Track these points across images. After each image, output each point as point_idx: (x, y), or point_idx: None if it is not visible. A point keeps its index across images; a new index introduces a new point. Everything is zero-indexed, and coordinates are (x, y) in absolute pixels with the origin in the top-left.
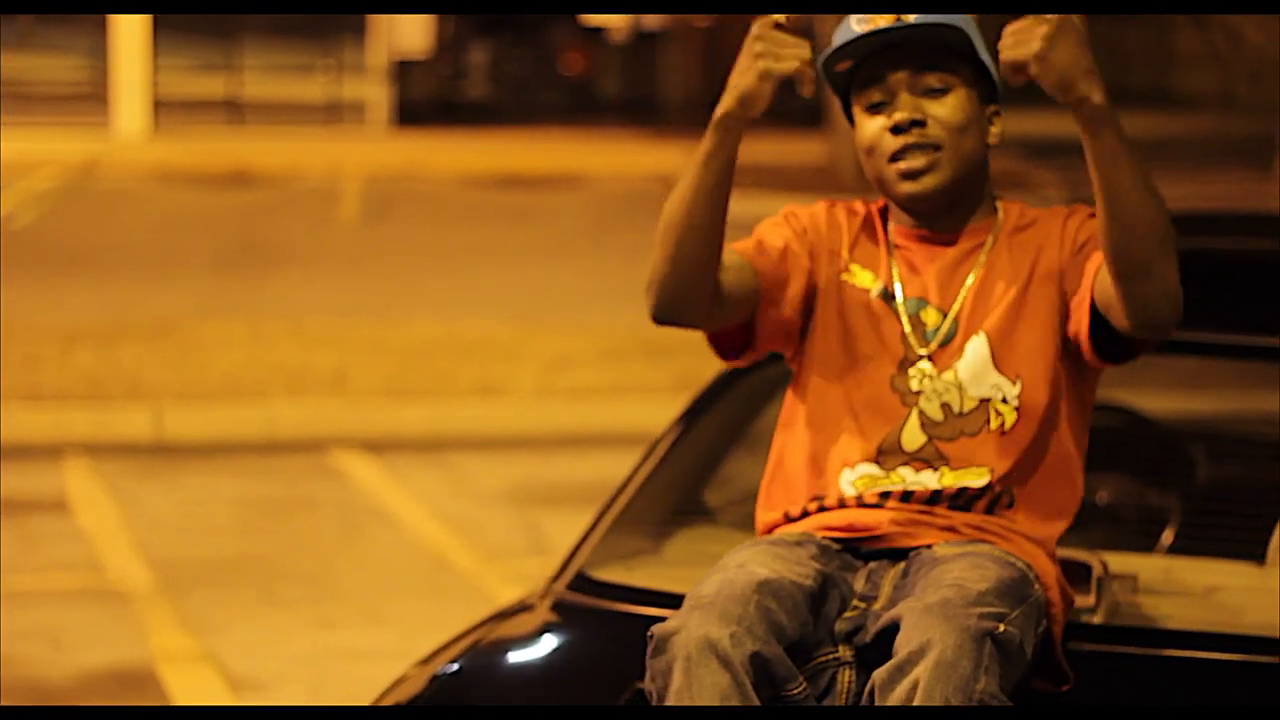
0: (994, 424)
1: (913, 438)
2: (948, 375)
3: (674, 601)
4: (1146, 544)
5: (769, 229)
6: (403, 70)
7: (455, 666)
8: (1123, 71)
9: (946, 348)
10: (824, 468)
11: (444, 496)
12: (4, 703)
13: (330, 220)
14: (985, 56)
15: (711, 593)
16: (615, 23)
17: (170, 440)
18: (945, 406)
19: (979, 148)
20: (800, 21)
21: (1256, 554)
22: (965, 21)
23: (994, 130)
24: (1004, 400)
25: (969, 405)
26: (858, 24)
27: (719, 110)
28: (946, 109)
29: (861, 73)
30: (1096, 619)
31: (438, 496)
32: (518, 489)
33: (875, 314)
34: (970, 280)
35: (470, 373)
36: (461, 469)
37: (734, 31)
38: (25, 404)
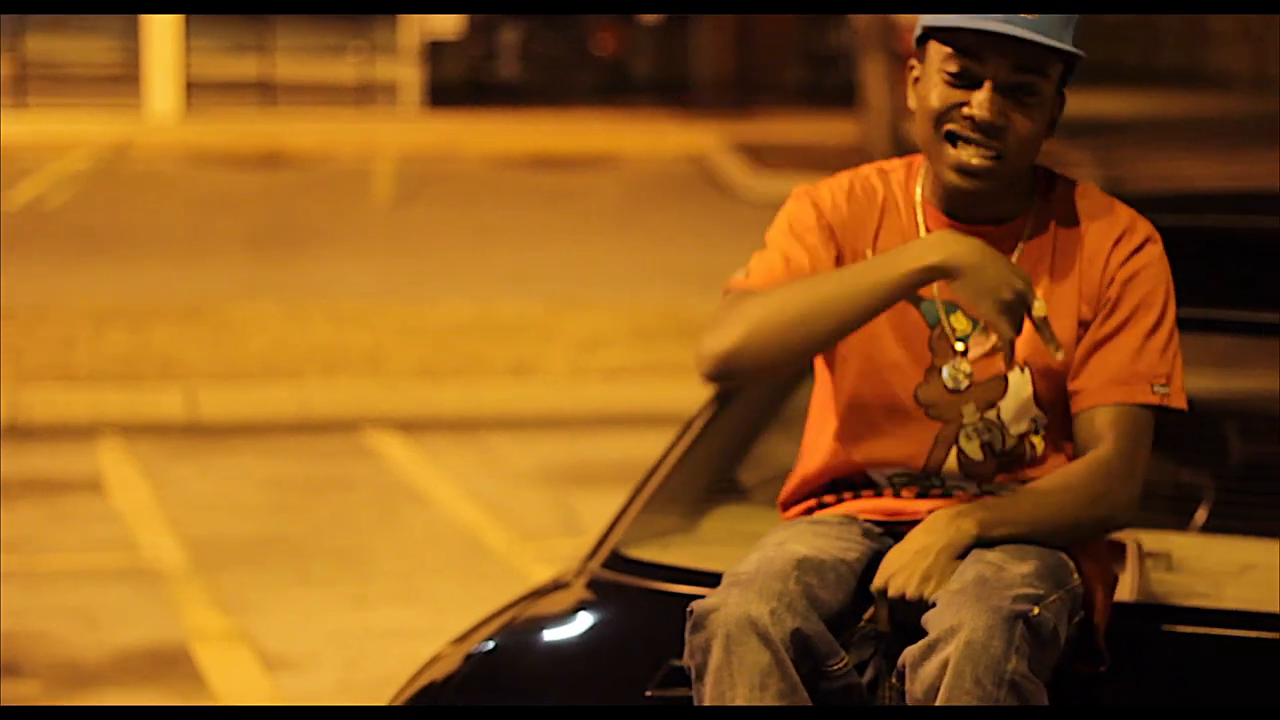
0: (1028, 455)
1: (951, 469)
2: (990, 414)
3: (709, 580)
4: (1180, 522)
5: (790, 242)
6: (434, 51)
7: (490, 644)
8: (1156, 50)
9: (980, 359)
10: (856, 473)
11: (477, 476)
12: (41, 681)
13: (363, 201)
14: (1073, 54)
15: (751, 570)
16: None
17: (204, 420)
18: (986, 446)
19: (1036, 151)
20: None
21: None
22: (1071, 17)
23: (1057, 119)
24: (1036, 431)
25: (1010, 443)
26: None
27: (937, 259)
28: (1027, 120)
29: (962, 37)
30: (1131, 597)
31: (471, 476)
32: (551, 469)
33: (902, 317)
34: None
35: (503, 353)
36: (495, 449)
37: (766, 12)
38: (59, 384)
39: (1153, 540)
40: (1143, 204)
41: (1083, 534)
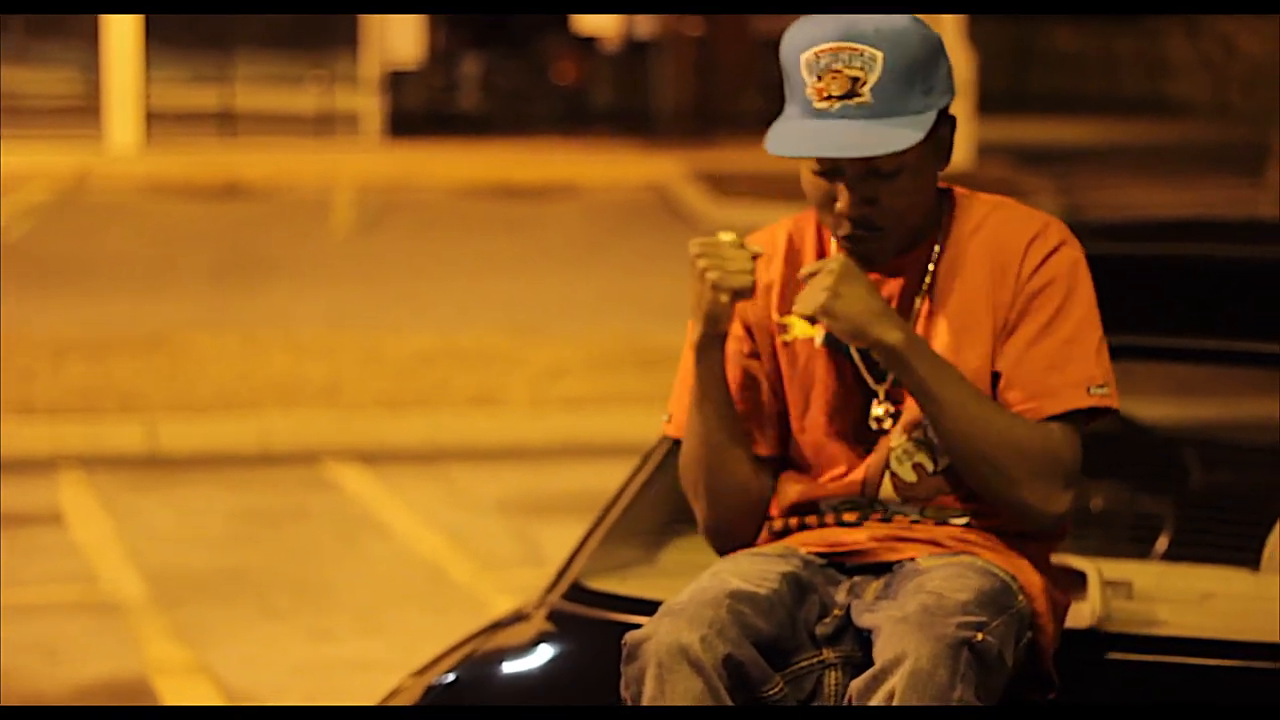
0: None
1: (888, 494)
2: (917, 434)
3: None
4: (1141, 550)
5: (686, 370)
6: (395, 81)
7: (451, 677)
8: (1116, 79)
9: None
10: (804, 500)
11: (439, 507)
12: None
13: (323, 231)
14: (943, 98)
15: (684, 600)
16: (607, 32)
17: (164, 452)
18: (918, 467)
19: (930, 199)
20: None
21: (1251, 559)
22: (916, 75)
23: (948, 150)
24: None
25: (944, 462)
26: (815, 94)
27: (693, 339)
28: (895, 192)
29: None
30: (1092, 626)
31: (433, 507)
32: (513, 499)
33: (826, 360)
34: (917, 306)
35: (464, 383)
36: (456, 479)
37: (726, 40)
38: (19, 417)
39: (1113, 569)
40: (1101, 232)
41: (991, 476)
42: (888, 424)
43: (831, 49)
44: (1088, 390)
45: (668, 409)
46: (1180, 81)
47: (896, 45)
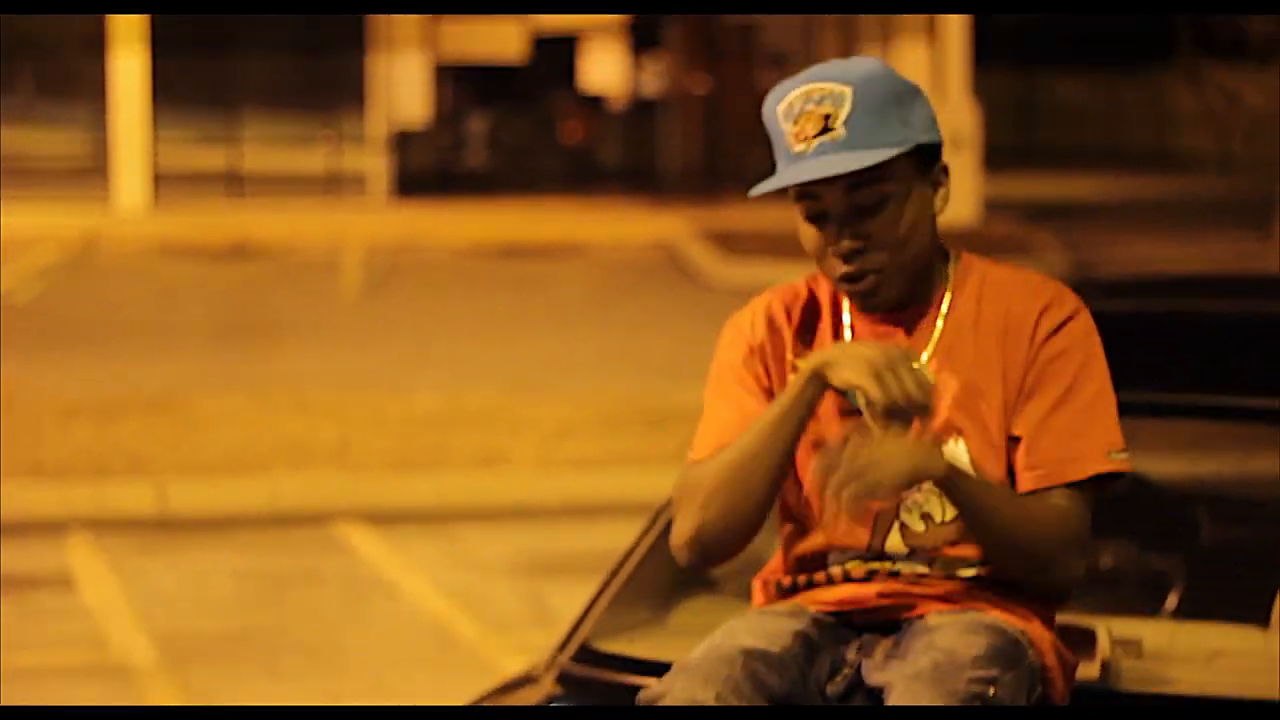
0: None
1: (896, 545)
2: (927, 485)
3: None
4: (1150, 608)
5: (717, 400)
6: (402, 141)
7: None
8: (1121, 132)
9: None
10: (812, 554)
11: (447, 568)
12: None
13: (331, 291)
14: (924, 135)
15: (697, 657)
16: (614, 91)
17: (173, 514)
18: (926, 517)
19: (924, 237)
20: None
21: (1261, 618)
22: (889, 109)
23: (941, 195)
24: None
25: (950, 514)
26: (793, 139)
27: (808, 368)
28: (884, 225)
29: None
30: (1101, 684)
31: (441, 568)
32: (521, 559)
33: (832, 405)
34: (925, 357)
35: (472, 443)
36: (465, 540)
37: (732, 99)
38: (27, 479)
39: (1123, 626)
40: (1111, 289)
41: (1018, 562)
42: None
43: (803, 93)
44: (1108, 455)
45: (692, 451)
46: (1185, 135)
47: (865, 81)
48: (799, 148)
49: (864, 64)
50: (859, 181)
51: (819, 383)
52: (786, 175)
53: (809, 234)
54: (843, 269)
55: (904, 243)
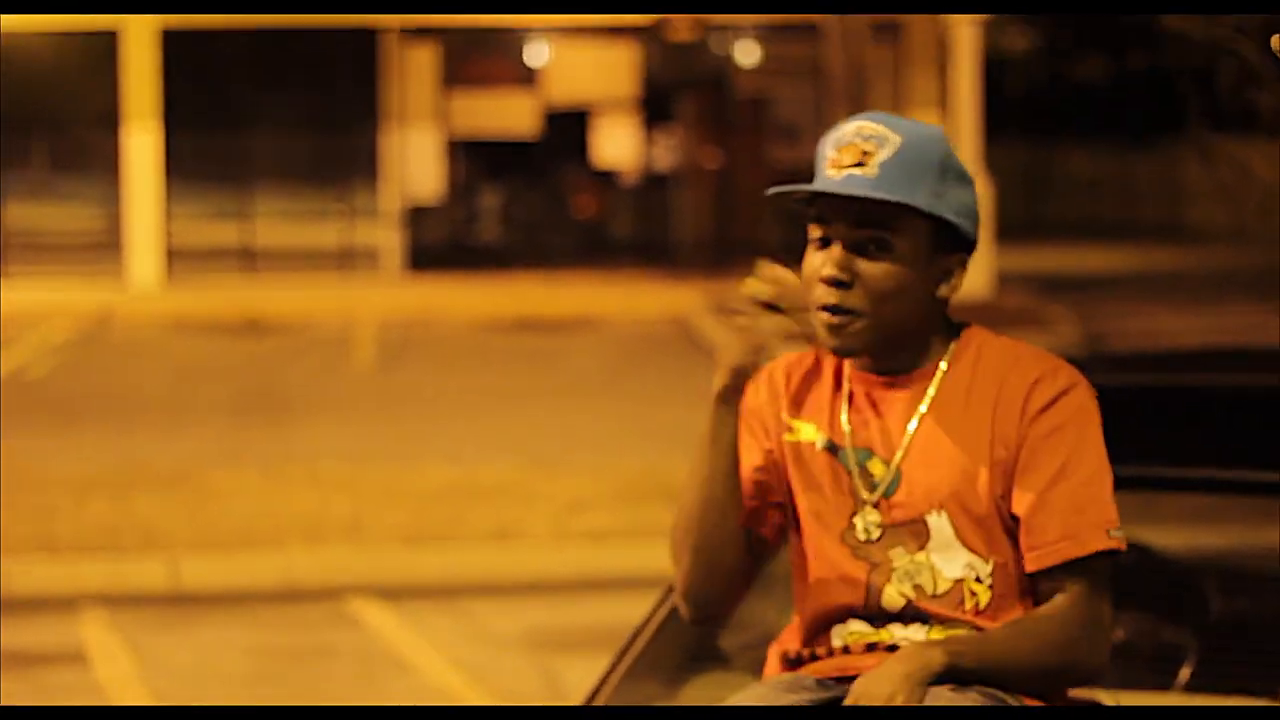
0: (969, 604)
1: (892, 602)
2: (919, 556)
3: None
4: (1163, 682)
5: None
6: (415, 216)
7: None
8: (1133, 205)
9: (891, 499)
10: (818, 622)
11: (460, 643)
12: None
13: (344, 366)
14: (952, 214)
15: None
16: (626, 166)
17: (187, 590)
18: (918, 589)
19: (913, 309)
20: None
21: (1273, 690)
22: (928, 174)
23: (949, 284)
24: (978, 579)
25: (943, 587)
26: (830, 163)
27: (716, 387)
28: (877, 274)
29: (817, 203)
30: None
31: (453, 643)
32: (534, 634)
33: (826, 468)
34: (913, 427)
35: (485, 517)
36: (477, 614)
37: (744, 172)
38: (41, 556)
39: (1135, 700)
40: (1120, 363)
41: (1052, 681)
42: (875, 534)
43: (856, 128)
44: (1108, 533)
45: None
46: (1197, 207)
47: (917, 139)
48: (830, 172)
49: (927, 128)
50: (867, 220)
51: (721, 393)
52: (804, 185)
53: (810, 259)
54: (823, 297)
55: (885, 298)
